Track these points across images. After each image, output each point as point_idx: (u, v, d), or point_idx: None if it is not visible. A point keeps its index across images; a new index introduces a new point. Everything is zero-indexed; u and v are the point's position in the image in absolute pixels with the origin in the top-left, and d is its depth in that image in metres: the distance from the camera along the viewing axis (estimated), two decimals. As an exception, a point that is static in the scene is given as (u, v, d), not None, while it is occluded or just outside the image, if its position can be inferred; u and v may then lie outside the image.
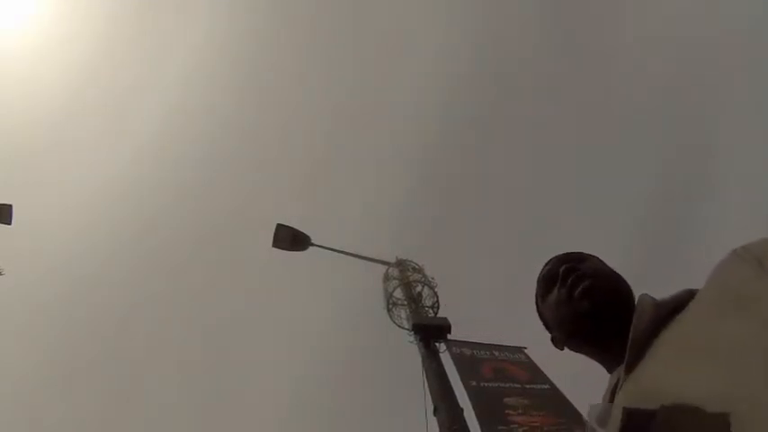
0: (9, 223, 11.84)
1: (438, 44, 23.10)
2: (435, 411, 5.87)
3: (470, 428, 5.43)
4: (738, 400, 0.88)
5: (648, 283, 1.44)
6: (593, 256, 1.48)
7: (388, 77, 23.88)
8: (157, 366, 20.95)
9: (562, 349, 1.49)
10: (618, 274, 1.43)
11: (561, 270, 1.42)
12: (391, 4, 23.86)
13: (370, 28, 23.85)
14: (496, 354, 7.34)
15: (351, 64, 24.43)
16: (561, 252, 1.52)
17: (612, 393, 1.25)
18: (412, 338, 7.75)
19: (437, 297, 9.02)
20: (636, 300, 1.33)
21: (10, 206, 11.85)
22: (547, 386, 6.68)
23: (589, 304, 1.34)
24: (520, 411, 5.74)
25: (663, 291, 1.30)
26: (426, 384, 6.54)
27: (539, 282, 1.52)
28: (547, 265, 1.51)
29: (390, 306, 9.04)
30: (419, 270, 9.84)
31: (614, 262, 1.46)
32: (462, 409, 5.79)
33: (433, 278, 9.52)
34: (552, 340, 1.52)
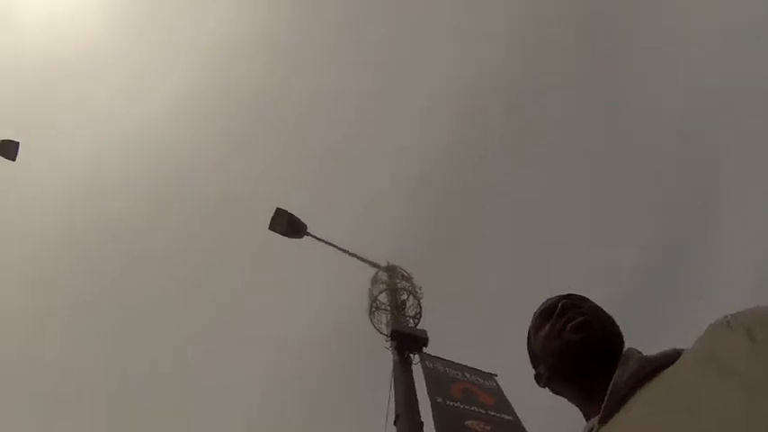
0: (14, 159, 11.91)
1: (454, 58, 23.20)
2: (396, 420, 5.87)
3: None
4: None
5: (632, 334, 1.45)
6: (594, 303, 1.47)
7: (403, 78, 23.98)
8: (152, 315, 20.96)
9: (544, 387, 1.48)
10: (614, 322, 1.42)
11: (561, 304, 1.42)
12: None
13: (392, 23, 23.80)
14: (468, 376, 7.33)
15: (371, 55, 24.46)
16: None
17: None
18: (388, 345, 7.75)
19: (420, 308, 9.02)
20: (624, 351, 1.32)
21: (17, 143, 11.92)
22: (510, 417, 6.67)
23: (580, 339, 1.34)
24: (479, 436, 5.73)
25: (649, 343, 1.30)
26: (393, 392, 6.54)
27: (535, 315, 1.51)
28: (547, 300, 1.50)
29: (373, 309, 9.04)
30: (408, 279, 9.83)
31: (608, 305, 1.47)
32: (423, 423, 5.79)
33: (420, 288, 9.51)
34: (535, 376, 1.51)
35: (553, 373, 1.43)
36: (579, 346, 1.33)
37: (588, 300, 1.47)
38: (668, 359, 1.19)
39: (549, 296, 1.52)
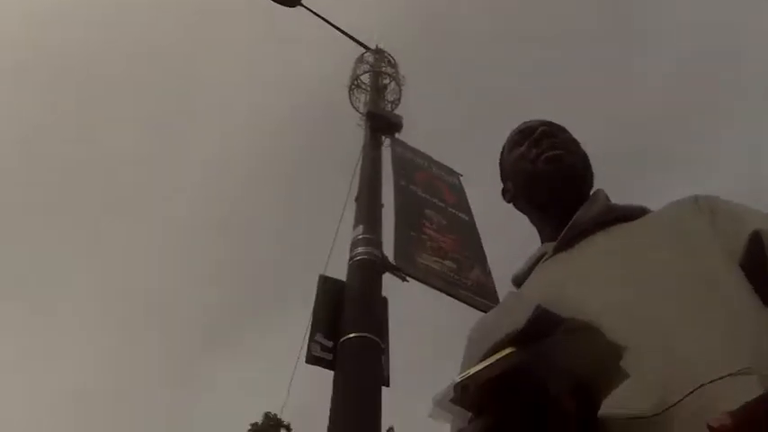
0: None
1: None
2: (357, 197, 5.91)
3: (383, 223, 5.52)
4: (642, 334, 0.88)
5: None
6: (572, 136, 1.47)
7: None
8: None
9: (509, 202, 1.51)
10: (587, 160, 1.43)
11: (540, 130, 1.40)
12: None
13: None
14: (434, 168, 7.37)
15: None
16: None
17: (536, 262, 1.30)
18: (362, 124, 7.71)
19: (400, 96, 8.94)
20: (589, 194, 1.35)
21: None
22: (467, 218, 6.80)
23: (550, 171, 1.34)
24: (435, 228, 5.84)
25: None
26: (358, 171, 6.55)
27: (512, 132, 1.51)
28: (526, 122, 1.49)
29: (353, 87, 8.94)
30: (393, 65, 9.66)
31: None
32: (383, 205, 5.85)
33: (403, 77, 9.39)
34: (503, 191, 1.54)
35: (519, 193, 1.46)
36: (548, 178, 1.34)
37: (567, 132, 1.46)
38: (633, 212, 1.23)
39: (532, 114, 1.50)
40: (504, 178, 1.54)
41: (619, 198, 1.33)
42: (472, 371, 0.80)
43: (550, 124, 1.45)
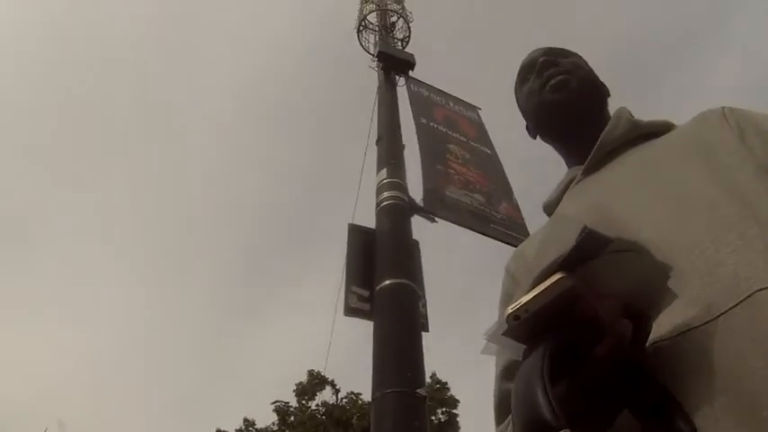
0: None
1: None
2: (378, 141, 5.81)
3: (405, 164, 5.43)
4: (684, 252, 0.87)
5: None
6: (577, 55, 1.44)
7: None
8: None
9: (534, 138, 1.49)
10: (598, 81, 1.41)
11: (540, 61, 1.38)
12: None
13: None
14: (451, 104, 7.23)
15: None
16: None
17: (566, 188, 1.28)
18: (374, 65, 7.56)
19: (410, 32, 8.73)
20: (608, 112, 1.34)
21: None
22: (490, 151, 6.70)
23: (558, 99, 1.32)
24: (460, 161, 5.75)
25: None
26: (376, 113, 6.43)
27: (519, 70, 1.49)
28: (528, 55, 1.46)
29: (361, 28, 8.73)
30: (399, 2, 9.37)
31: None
32: (404, 146, 5.74)
33: (410, 13, 9.13)
34: (526, 128, 1.52)
35: (539, 127, 1.45)
36: (557, 105, 1.33)
37: (571, 54, 1.43)
38: (659, 128, 1.21)
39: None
40: (524, 117, 1.53)
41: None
42: (523, 300, 0.77)
43: (550, 52, 1.41)
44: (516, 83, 1.50)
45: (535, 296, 0.76)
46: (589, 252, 0.78)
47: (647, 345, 0.81)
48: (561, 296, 0.76)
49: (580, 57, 1.44)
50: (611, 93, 1.42)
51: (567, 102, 1.32)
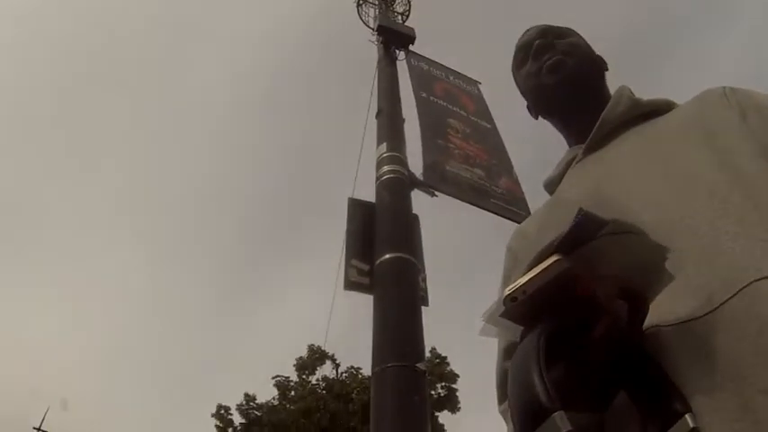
0: None
1: None
2: (378, 114, 5.78)
3: (406, 137, 5.41)
4: (683, 234, 0.87)
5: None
6: (573, 32, 1.43)
7: None
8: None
9: (536, 118, 1.50)
10: (595, 57, 1.41)
11: (535, 44, 1.38)
12: None
13: None
14: (451, 78, 7.18)
15: None
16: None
17: (567, 166, 1.28)
18: (374, 39, 7.52)
19: (410, 6, 8.73)
20: (607, 88, 1.34)
21: None
22: (490, 126, 6.66)
23: (555, 81, 1.32)
24: (460, 136, 5.73)
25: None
26: (376, 87, 6.40)
27: (515, 50, 1.48)
28: (525, 33, 1.45)
29: (361, 2, 8.73)
30: (399, -26, 9.31)
31: None
32: (404, 120, 5.72)
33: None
34: (527, 107, 1.52)
35: (538, 108, 1.46)
36: (555, 87, 1.33)
37: (566, 33, 1.42)
38: (659, 107, 1.20)
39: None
40: (524, 98, 1.53)
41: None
42: (520, 282, 0.78)
43: (546, 33, 1.40)
44: (513, 65, 1.50)
45: (532, 278, 0.78)
46: (586, 234, 0.78)
47: (645, 328, 0.82)
48: (558, 278, 0.77)
49: (576, 33, 1.44)
50: (608, 67, 1.42)
51: (564, 83, 1.32)
